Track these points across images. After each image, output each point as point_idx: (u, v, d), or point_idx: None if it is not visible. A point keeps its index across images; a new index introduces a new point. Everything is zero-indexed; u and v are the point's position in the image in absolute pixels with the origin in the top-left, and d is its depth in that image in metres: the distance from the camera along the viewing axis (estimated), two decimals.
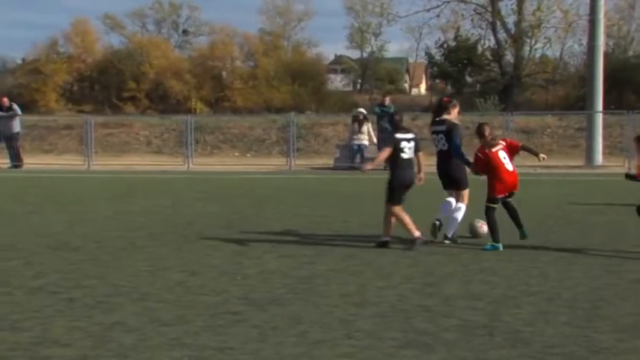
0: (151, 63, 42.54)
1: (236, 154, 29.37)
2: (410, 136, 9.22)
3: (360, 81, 51.44)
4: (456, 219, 9.41)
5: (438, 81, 44.41)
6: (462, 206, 9.46)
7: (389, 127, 22.78)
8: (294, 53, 46.67)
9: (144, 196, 15.64)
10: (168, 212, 12.90)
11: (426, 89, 56.13)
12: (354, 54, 52.23)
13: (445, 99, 10.03)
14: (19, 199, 15.09)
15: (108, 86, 42.55)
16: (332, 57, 56.49)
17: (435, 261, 8.27)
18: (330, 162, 24.10)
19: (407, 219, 9.13)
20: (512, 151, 9.31)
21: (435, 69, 41.95)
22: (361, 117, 23.19)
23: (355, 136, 23.02)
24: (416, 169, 9.34)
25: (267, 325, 5.72)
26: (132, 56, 43.88)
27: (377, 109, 23.55)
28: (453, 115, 9.49)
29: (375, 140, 22.89)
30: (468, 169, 9.42)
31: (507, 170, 9.11)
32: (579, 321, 5.85)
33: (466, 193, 9.49)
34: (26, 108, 31.60)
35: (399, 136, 9.16)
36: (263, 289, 6.96)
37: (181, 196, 15.62)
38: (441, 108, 9.61)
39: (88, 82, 43.75)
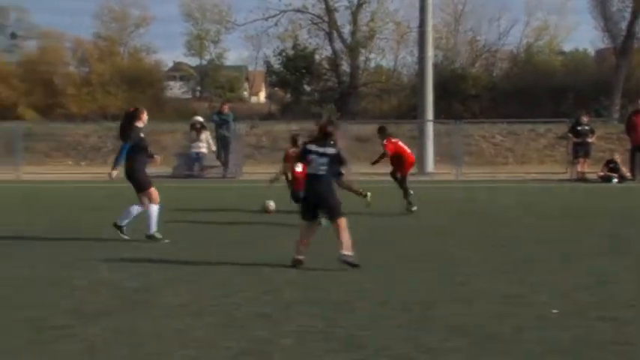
0: None
1: (69, 162, 28.25)
2: None
3: (199, 88, 51.02)
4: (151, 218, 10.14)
5: (277, 89, 44.72)
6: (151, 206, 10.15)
7: (227, 134, 22.76)
8: (131, 59, 45.61)
9: (89, 201, 14.75)
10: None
11: (266, 97, 56.45)
12: (193, 61, 51.76)
13: (131, 108, 10.79)
14: None
15: None
16: (171, 64, 55.70)
17: (273, 269, 8.27)
18: (169, 170, 23.69)
19: None
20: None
21: (274, 77, 42.24)
22: (198, 125, 22.97)
23: (194, 144, 22.76)
24: None
25: (98, 339, 5.49)
26: None
27: (216, 117, 23.40)
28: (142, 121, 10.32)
29: (213, 148, 22.74)
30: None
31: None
32: (411, 323, 6.03)
33: (149, 193, 10.18)
34: None
35: None
36: (94, 300, 6.70)
37: (8, 206, 14.84)
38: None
39: None
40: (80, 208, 14.53)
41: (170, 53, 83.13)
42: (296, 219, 9.42)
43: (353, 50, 40.15)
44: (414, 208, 13.22)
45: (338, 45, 40.70)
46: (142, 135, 10.32)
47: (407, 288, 7.32)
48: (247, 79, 58.61)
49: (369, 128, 30.65)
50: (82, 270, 8.09)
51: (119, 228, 10.28)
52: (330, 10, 40.04)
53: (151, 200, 10.20)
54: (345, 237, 8.15)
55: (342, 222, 8.22)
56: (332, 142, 8.42)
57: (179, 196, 16.86)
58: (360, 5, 40.09)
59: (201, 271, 8.09)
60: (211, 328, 5.82)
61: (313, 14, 40.60)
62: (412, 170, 14.20)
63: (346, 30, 40.71)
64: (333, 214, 8.30)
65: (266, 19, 40.26)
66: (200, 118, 24.04)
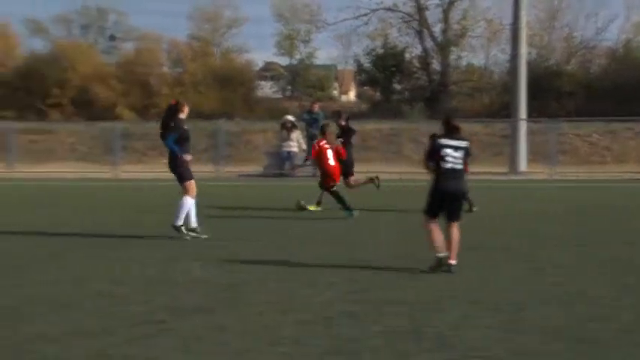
0: (76, 69, 41.69)
1: (164, 161, 29.03)
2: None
3: (289, 88, 51.49)
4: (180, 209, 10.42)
5: (366, 88, 44.73)
6: (186, 198, 10.40)
7: (317, 133, 22.94)
8: (223, 59, 46.40)
9: (67, 205, 15.33)
10: (93, 220, 12.66)
11: (355, 96, 56.53)
12: (284, 61, 52.24)
13: (173, 101, 11.06)
14: None
15: (31, 92, 41.48)
16: (262, 64, 56.39)
17: (360, 268, 8.31)
18: (260, 169, 24.06)
19: None
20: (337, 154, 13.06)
21: (364, 76, 42.27)
22: (289, 124, 23.20)
23: (284, 143, 23.02)
24: None
25: (191, 334, 5.66)
26: (56, 62, 42.91)
27: (306, 116, 23.60)
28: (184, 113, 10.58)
29: (304, 147, 22.94)
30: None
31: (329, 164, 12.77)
32: (502, 324, 5.96)
33: (187, 185, 10.47)
34: None
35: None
36: (189, 297, 6.89)
37: (108, 204, 15.37)
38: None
39: (9, 88, 42.52)
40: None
41: (261, 53, 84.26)
42: (390, 218, 9.45)
43: (444, 48, 39.79)
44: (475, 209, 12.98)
45: (428, 43, 40.42)
46: (185, 127, 10.57)
47: (498, 288, 7.24)
48: (337, 77, 58.81)
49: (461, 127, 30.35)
50: (176, 268, 8.33)
51: (177, 229, 10.43)
52: (420, 9, 39.79)
53: (186, 192, 10.44)
54: (456, 241, 7.98)
55: (458, 225, 8.07)
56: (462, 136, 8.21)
57: (269, 194, 17.11)
58: (451, 3, 39.69)
59: (291, 270, 8.20)
60: (300, 326, 5.90)
61: (404, 12, 40.43)
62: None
63: (437, 28, 40.38)
64: (458, 215, 8.11)
65: (356, 17, 40.35)
66: (291, 117, 24.29)
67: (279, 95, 50.62)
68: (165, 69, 45.18)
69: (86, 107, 40.56)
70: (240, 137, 30.35)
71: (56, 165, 27.13)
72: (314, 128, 23.25)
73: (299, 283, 7.48)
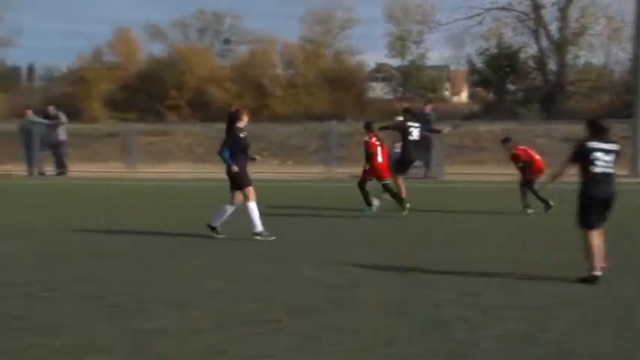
0: (193, 71, 42.90)
1: (276, 161, 29.46)
2: None
3: (401, 89, 51.28)
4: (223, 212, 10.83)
5: (479, 89, 44.02)
6: (248, 204, 10.64)
7: (429, 135, 22.71)
8: (334, 61, 46.70)
9: (184, 204, 15.80)
10: (207, 220, 13.00)
11: (468, 97, 55.74)
12: (395, 62, 52.06)
13: (232, 109, 11.65)
14: (62, 205, 15.34)
15: (151, 95, 42.98)
16: (373, 65, 56.40)
17: (470, 270, 8.20)
18: None
19: None
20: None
21: (477, 77, 41.64)
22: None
23: (395, 144, 22.91)
24: None
25: (305, 333, 5.74)
26: (174, 65, 44.30)
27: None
28: (243, 122, 11.05)
29: None
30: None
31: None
32: (625, 332, 5.76)
33: (247, 192, 10.74)
34: (71, 116, 32.00)
35: None
36: (302, 297, 6.98)
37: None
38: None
39: (131, 90, 44.22)
40: (285, 207, 15.12)
41: (373, 55, 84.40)
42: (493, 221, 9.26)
43: (561, 47, 38.70)
44: (530, 211, 13.39)
45: (544, 42, 39.42)
46: (241, 135, 10.90)
47: (620, 294, 7.00)
48: (449, 78, 58.20)
49: (577, 129, 29.50)
50: (286, 267, 8.45)
51: (213, 229, 10.78)
52: (537, 7, 38.86)
53: (248, 198, 10.66)
54: (600, 249, 7.64)
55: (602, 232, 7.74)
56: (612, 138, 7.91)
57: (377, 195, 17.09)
58: (569, 1, 38.56)
59: (401, 271, 8.18)
60: (411, 328, 5.89)
61: (519, 11, 39.59)
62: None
63: (553, 27, 39.33)
64: (604, 221, 7.77)
65: (469, 17, 39.79)
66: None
67: (390, 96, 50.48)
68: (278, 71, 45.84)
69: (202, 109, 41.67)
70: (352, 138, 30.43)
71: (173, 165, 27.98)
72: (426, 130, 23.10)
73: (409, 285, 7.46)
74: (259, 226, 10.52)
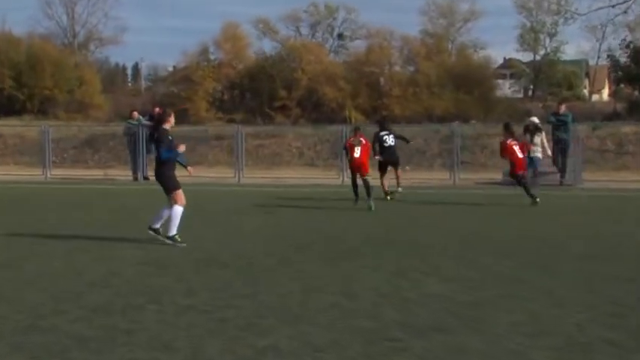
0: (304, 69, 43.33)
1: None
2: None
3: (531, 87, 50.22)
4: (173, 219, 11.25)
5: (622, 85, 42.61)
6: (176, 207, 11.31)
7: (565, 137, 22.12)
8: (458, 57, 46.21)
9: (295, 211, 15.99)
10: (320, 227, 13.11)
11: (609, 95, 54.03)
12: (526, 57, 51.05)
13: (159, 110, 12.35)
14: None
15: (259, 94, 43.69)
16: (500, 60, 55.52)
17: (618, 287, 7.92)
18: (498, 176, 23.67)
19: None
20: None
21: (620, 72, 40.34)
22: (532, 127, 22.62)
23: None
24: None
25: (429, 355, 5.68)
26: (284, 62, 44.88)
27: (552, 118, 22.93)
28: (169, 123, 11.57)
29: (549, 152, 22.27)
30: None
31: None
32: None
33: (175, 195, 11.36)
34: (177, 117, 32.93)
35: None
36: (424, 314, 6.93)
37: (335, 211, 15.84)
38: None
39: (238, 89, 45.08)
40: (405, 215, 15.07)
41: (500, 49, 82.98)
42: None
43: None
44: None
45: None
46: (170, 137, 11.36)
47: None
48: (587, 74, 56.61)
49: None
50: (409, 281, 8.40)
51: (154, 230, 11.35)
52: None
53: (175, 202, 11.25)
54: None
55: None
56: None
57: (508, 202, 16.79)
58: None
59: (536, 288, 7.99)
60: (550, 351, 5.74)
61: None
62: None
63: None
64: None
65: (613, 6, 38.66)
66: (535, 119, 23.65)
67: (519, 95, 49.59)
68: (396, 68, 45.72)
69: (313, 109, 42.08)
70: (477, 141, 30.09)
71: (283, 170, 28.37)
72: (561, 132, 22.58)
73: (544, 302, 7.28)
74: (174, 230, 11.14)
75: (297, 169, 28.77)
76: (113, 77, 67.82)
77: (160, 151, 11.33)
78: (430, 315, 6.90)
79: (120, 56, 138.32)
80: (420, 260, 9.75)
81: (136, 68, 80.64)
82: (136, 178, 25.46)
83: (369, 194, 16.04)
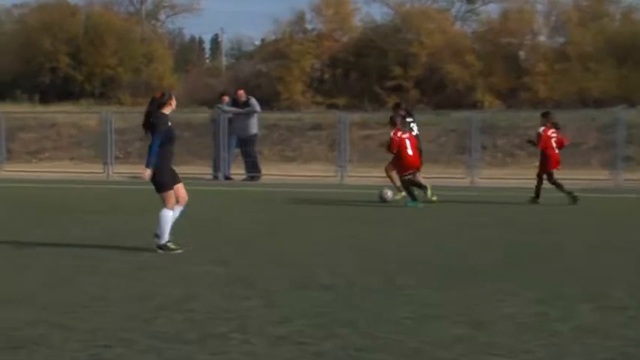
0: (423, 42, 43.06)
1: (536, 163, 29.01)
2: None
3: None
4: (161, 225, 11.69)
5: None
6: (164, 210, 11.71)
7: None
8: (623, 22, 45.02)
9: (407, 219, 15.97)
10: (437, 240, 13.06)
11: None
12: None
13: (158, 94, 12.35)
14: (253, 219, 16.00)
15: (367, 73, 43.63)
16: None
17: None
18: None
19: None
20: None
21: None
22: None
23: None
24: None
25: None
26: (399, 32, 44.68)
27: None
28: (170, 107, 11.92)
29: None
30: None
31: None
32: None
33: (164, 196, 11.74)
34: (266, 102, 33.25)
35: None
36: (579, 352, 6.82)
37: (456, 219, 15.76)
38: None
39: (342, 67, 45.02)
40: (542, 227, 14.87)
41: None
42: None
43: None
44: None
45: None
46: (169, 124, 11.72)
47: None
48: None
49: None
50: (556, 309, 8.28)
51: (164, 247, 11.70)
52: None
53: (165, 204, 11.69)
54: None
55: None
56: None
57: None
58: None
59: None
60: None
61: None
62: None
63: None
64: None
65: None
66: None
67: None
68: (541, 39, 44.97)
69: (435, 92, 41.80)
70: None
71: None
72: None
73: None
74: (165, 239, 11.63)
75: None
76: (188, 53, 69.00)
77: (154, 140, 11.66)
78: (586, 353, 6.78)
79: (196, 27, 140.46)
80: (574, 284, 9.60)
81: (215, 42, 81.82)
82: (216, 177, 25.85)
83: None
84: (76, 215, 16.62)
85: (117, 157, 28.70)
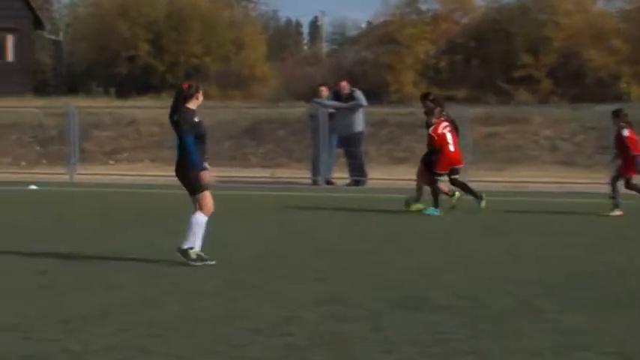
0: (560, 23, 42.51)
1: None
2: None
3: None
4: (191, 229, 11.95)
5: None
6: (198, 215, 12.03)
7: None
8: None
9: (544, 233, 15.83)
10: (580, 258, 12.94)
11: None
12: None
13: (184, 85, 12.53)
14: (357, 230, 16.06)
15: (490, 60, 43.28)
16: None
17: None
18: None
19: None
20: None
21: None
22: None
23: None
24: None
25: None
26: (529, 13, 44.23)
27: None
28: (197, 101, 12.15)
29: None
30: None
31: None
32: None
33: (201, 197, 12.04)
34: (372, 95, 33.13)
35: None
36: None
37: (602, 235, 15.59)
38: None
39: (461, 54, 44.69)
40: None
41: None
42: None
43: None
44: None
45: None
46: (196, 119, 11.94)
47: None
48: None
49: None
50: None
51: (192, 256, 11.91)
52: None
53: (201, 207, 11.98)
54: None
55: None
56: None
57: None
58: None
59: None
60: None
61: None
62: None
63: None
64: None
65: None
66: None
67: None
68: None
69: (572, 82, 41.21)
70: None
71: (526, 170, 27.95)
72: None
73: None
74: (189, 244, 11.86)
75: (547, 169, 28.33)
76: (283, 39, 69.45)
77: (183, 139, 11.86)
78: None
79: (293, 9, 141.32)
80: None
81: (314, 26, 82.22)
82: (315, 182, 25.87)
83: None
84: (158, 225, 16.84)
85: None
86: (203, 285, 10.86)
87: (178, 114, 11.94)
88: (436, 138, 18.19)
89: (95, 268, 12.12)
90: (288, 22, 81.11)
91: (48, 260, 12.61)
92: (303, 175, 26.48)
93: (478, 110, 31.80)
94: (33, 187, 24.37)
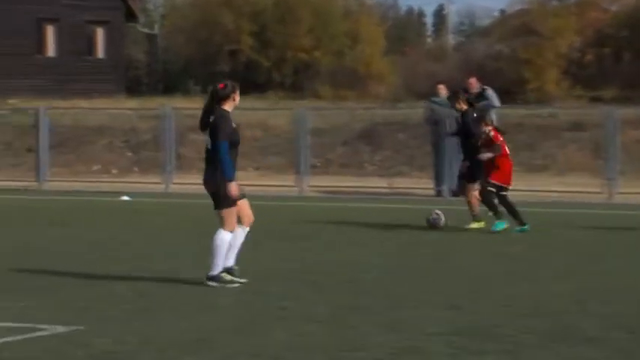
0: None
1: None
2: None
3: None
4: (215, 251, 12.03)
5: None
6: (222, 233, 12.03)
7: None
8: None
9: None
10: None
11: None
12: None
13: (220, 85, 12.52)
14: (490, 249, 16.01)
15: None
16: None
17: None
18: None
19: None
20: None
21: None
22: None
23: None
24: None
25: None
26: None
27: None
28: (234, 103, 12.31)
29: None
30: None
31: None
32: None
33: (225, 213, 12.04)
34: (507, 94, 33.02)
35: None
36: None
37: None
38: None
39: (611, 48, 44.23)
40: None
41: None
42: None
43: None
44: None
45: None
46: (233, 124, 12.10)
47: None
48: None
49: None
50: None
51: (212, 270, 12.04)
52: None
53: (224, 224, 11.99)
54: None
55: None
56: None
57: None
58: None
59: None
60: None
61: None
62: None
63: None
64: None
65: None
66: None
67: None
68: None
69: None
70: None
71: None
72: None
73: None
74: (219, 269, 11.95)
75: None
76: (404, 31, 69.44)
77: (218, 145, 11.92)
78: None
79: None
80: None
81: (439, 15, 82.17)
82: (439, 192, 25.81)
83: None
84: (264, 242, 16.90)
85: (313, 167, 28.92)
86: (314, 309, 10.87)
87: (215, 116, 12.04)
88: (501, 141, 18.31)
89: (197, 290, 12.20)
90: (410, 11, 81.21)
91: (144, 280, 12.75)
92: (427, 185, 26.35)
93: (629, 111, 31.32)
94: (125, 197, 24.66)
